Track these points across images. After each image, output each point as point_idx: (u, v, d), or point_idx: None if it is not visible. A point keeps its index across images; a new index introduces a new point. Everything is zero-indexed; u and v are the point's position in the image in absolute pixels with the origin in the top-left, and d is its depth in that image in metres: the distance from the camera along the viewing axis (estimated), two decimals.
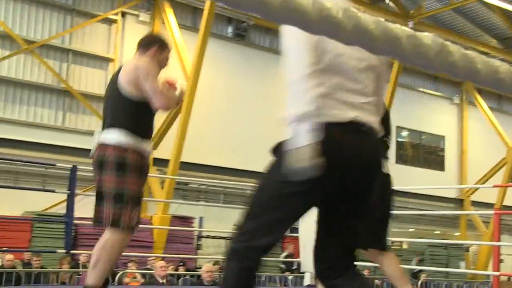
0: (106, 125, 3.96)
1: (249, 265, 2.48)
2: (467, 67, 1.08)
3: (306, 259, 6.90)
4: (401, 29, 1.03)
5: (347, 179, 2.40)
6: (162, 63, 4.15)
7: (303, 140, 2.23)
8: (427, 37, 1.05)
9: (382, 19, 1.01)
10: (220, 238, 16.99)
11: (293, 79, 2.32)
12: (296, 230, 7.66)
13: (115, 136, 3.84)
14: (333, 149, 2.31)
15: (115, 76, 4.02)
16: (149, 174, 4.36)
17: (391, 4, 18.55)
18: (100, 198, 3.97)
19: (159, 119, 16.31)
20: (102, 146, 3.93)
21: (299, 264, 9.22)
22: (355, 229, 2.59)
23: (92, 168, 4.04)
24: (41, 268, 10.86)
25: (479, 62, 1.09)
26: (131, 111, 3.91)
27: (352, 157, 2.38)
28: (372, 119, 2.47)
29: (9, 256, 10.46)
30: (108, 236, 3.85)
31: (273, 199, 2.42)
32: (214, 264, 11.59)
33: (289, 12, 0.91)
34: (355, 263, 2.63)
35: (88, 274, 3.86)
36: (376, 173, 2.55)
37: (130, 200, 3.80)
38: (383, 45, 1.00)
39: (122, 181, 3.81)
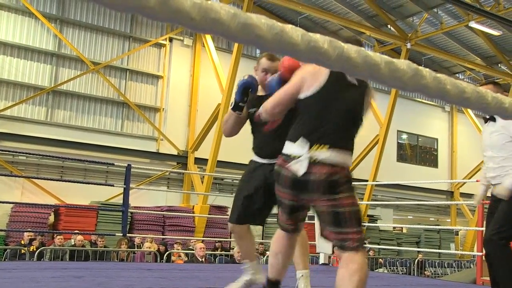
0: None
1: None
2: (438, 88, 1.05)
3: (321, 241, 6.83)
4: (380, 57, 1.00)
5: None
6: None
7: None
8: (402, 63, 1.02)
9: (363, 49, 0.98)
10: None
11: None
12: (312, 217, 7.60)
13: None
14: None
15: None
16: (189, 172, 4.17)
17: (392, 28, 18.38)
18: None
19: (200, 125, 16.40)
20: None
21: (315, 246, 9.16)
22: None
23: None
24: (104, 247, 10.97)
25: (448, 84, 1.05)
26: None
27: None
28: None
29: (79, 237, 10.59)
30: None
31: None
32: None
33: (281, 44, 0.88)
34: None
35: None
36: None
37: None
38: (364, 70, 0.97)
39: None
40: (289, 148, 2.62)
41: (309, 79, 2.68)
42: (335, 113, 2.63)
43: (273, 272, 2.98)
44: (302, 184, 2.54)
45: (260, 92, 3.52)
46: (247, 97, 3.43)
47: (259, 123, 3.40)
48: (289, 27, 0.87)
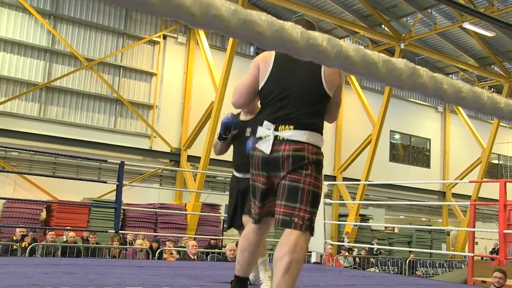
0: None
1: None
2: (435, 88, 1.06)
3: (313, 240, 6.83)
4: (378, 55, 1.00)
5: None
6: None
7: None
8: (400, 61, 1.03)
9: (362, 47, 0.98)
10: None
11: None
12: None
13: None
14: None
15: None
16: (182, 169, 4.33)
17: (386, 28, 18.43)
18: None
19: (193, 123, 16.38)
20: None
21: None
22: None
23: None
24: (96, 244, 10.93)
25: (445, 83, 1.06)
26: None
27: None
28: None
29: (71, 234, 10.55)
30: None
31: None
32: (236, 244, 11.55)
33: (281, 41, 0.89)
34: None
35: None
36: None
37: None
38: (362, 69, 0.97)
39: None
40: (259, 131, 2.76)
41: (262, 67, 2.81)
42: (290, 90, 2.71)
43: (239, 270, 3.00)
44: (271, 161, 2.65)
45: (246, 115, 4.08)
46: (229, 132, 3.88)
47: (240, 143, 3.85)
48: (288, 25, 0.88)
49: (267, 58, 2.80)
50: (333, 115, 2.91)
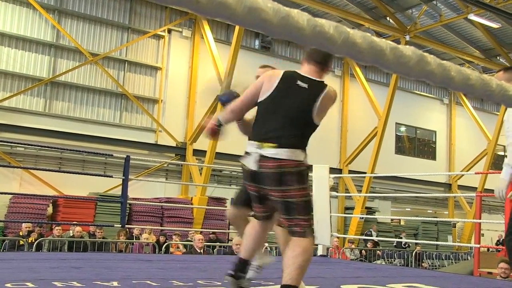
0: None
1: None
2: (443, 75, 1.04)
3: (319, 233, 6.82)
4: (385, 42, 0.99)
5: None
6: None
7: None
8: (407, 49, 1.01)
9: (369, 34, 0.97)
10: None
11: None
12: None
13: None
14: None
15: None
16: (187, 163, 4.17)
17: (391, 20, 18.33)
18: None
19: (198, 117, 16.37)
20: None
21: None
22: None
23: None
24: (103, 238, 10.97)
25: (453, 70, 1.05)
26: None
27: None
28: None
29: (78, 228, 10.59)
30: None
31: None
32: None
33: (287, 28, 0.88)
34: None
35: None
36: None
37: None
38: (369, 56, 0.96)
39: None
40: (247, 146, 3.02)
41: (266, 84, 3.05)
42: (281, 114, 2.96)
43: (243, 252, 3.27)
44: (257, 176, 2.94)
45: None
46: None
47: None
48: (295, 12, 0.86)
49: (273, 78, 3.03)
50: None
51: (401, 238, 16.51)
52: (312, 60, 3.10)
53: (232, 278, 3.23)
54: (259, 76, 3.66)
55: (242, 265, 3.24)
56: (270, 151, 2.88)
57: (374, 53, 0.96)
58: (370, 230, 17.29)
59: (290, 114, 2.96)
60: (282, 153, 2.86)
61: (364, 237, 15.88)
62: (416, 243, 16.07)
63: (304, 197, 2.91)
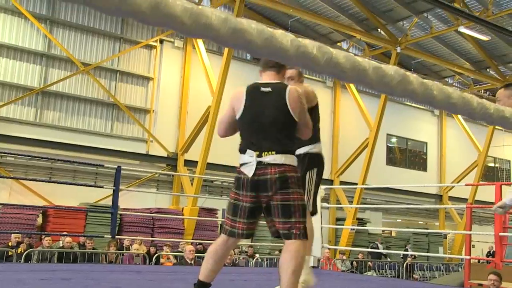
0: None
1: None
2: (425, 94, 1.07)
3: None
4: (368, 62, 1.01)
5: None
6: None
7: None
8: (390, 68, 1.04)
9: (352, 54, 0.99)
10: None
11: None
12: None
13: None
14: None
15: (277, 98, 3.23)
16: (179, 174, 4.17)
17: (382, 32, 18.49)
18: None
19: (190, 128, 16.38)
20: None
21: None
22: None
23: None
24: (93, 249, 10.91)
25: (435, 89, 1.07)
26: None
27: None
28: None
29: (68, 239, 10.52)
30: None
31: None
32: (233, 248, 11.51)
33: (271, 49, 0.90)
34: None
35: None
36: None
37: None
38: (352, 76, 0.98)
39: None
40: (242, 159, 3.15)
41: (236, 103, 3.24)
42: (261, 122, 3.15)
43: (201, 274, 3.24)
44: (260, 183, 3.05)
45: None
46: None
47: None
48: (279, 33, 0.89)
49: (239, 96, 3.22)
50: (304, 133, 3.31)
51: (407, 250, 16.95)
52: (268, 66, 3.35)
53: None
54: (290, 77, 4.01)
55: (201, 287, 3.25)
56: (269, 158, 3.06)
57: (357, 73, 0.98)
58: (376, 242, 17.49)
59: (271, 117, 3.14)
60: (280, 159, 3.06)
61: (370, 249, 16.09)
62: (407, 254, 16.09)
63: (301, 201, 3.08)
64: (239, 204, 3.15)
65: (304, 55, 0.92)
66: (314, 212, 3.96)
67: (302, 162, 3.82)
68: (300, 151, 3.83)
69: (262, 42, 0.88)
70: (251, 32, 0.88)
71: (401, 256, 16.31)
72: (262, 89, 3.20)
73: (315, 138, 3.90)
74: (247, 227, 3.16)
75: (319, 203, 6.84)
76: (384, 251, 15.41)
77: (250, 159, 3.09)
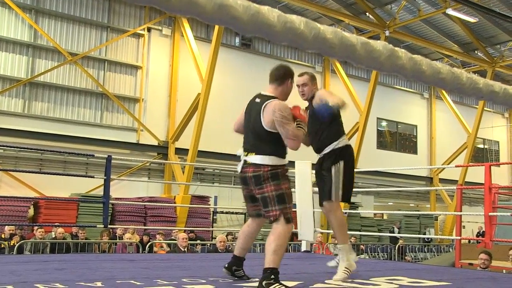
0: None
1: None
2: (414, 69, 1.06)
3: (303, 229, 6.84)
4: (356, 38, 1.00)
5: None
6: (289, 93, 3.85)
7: None
8: (378, 43, 1.03)
9: (339, 30, 0.98)
10: (232, 213, 17.01)
11: None
12: (294, 204, 7.57)
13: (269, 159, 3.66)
14: None
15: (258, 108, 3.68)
16: (170, 162, 4.33)
17: (370, 16, 18.45)
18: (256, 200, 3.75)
19: (180, 115, 16.33)
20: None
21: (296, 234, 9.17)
22: None
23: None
24: (85, 239, 10.89)
25: (424, 64, 1.06)
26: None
27: None
28: None
29: (60, 230, 10.49)
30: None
31: None
32: (226, 235, 11.56)
33: (258, 25, 0.88)
34: None
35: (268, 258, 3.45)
36: None
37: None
38: (341, 51, 0.97)
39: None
40: (238, 154, 3.77)
41: (242, 111, 3.91)
42: (250, 128, 3.75)
43: (235, 249, 3.99)
44: (243, 178, 3.71)
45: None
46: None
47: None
48: (265, 9, 0.87)
49: (248, 102, 3.84)
50: (288, 144, 3.61)
51: (425, 233, 17.19)
52: (271, 80, 3.79)
53: (226, 270, 3.95)
54: (304, 83, 4.42)
55: (235, 261, 3.93)
56: (250, 158, 3.65)
57: (345, 48, 0.97)
58: (393, 226, 17.93)
59: (252, 126, 3.71)
60: (258, 159, 3.60)
61: (389, 234, 16.45)
62: (399, 237, 16.19)
63: (275, 191, 3.55)
64: (243, 193, 3.84)
65: (291, 31, 0.91)
66: (345, 200, 4.46)
67: (330, 158, 4.36)
68: (327, 149, 4.40)
69: (249, 18, 0.87)
70: (236, 8, 0.86)
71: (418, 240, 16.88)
72: (256, 99, 3.73)
73: (339, 134, 4.54)
74: (253, 209, 3.85)
75: (309, 188, 6.86)
76: (398, 235, 15.74)
77: (241, 157, 3.72)
